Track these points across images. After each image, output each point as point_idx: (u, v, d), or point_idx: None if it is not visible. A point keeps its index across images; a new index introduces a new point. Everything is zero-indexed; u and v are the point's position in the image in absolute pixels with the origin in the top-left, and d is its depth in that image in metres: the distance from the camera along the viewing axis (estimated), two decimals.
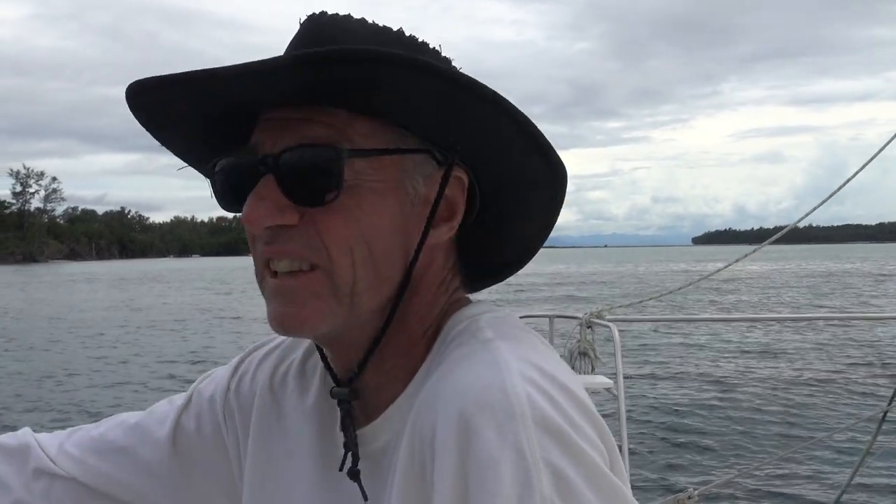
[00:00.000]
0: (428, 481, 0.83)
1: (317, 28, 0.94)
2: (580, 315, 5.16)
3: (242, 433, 1.15)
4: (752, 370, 19.91)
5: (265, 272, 0.94)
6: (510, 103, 0.91)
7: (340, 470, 0.98)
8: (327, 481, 1.04)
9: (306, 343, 1.16)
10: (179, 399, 1.22)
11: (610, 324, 4.92)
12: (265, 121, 0.93)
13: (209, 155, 0.99)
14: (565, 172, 1.01)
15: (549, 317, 5.45)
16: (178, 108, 0.93)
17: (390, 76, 0.86)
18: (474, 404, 0.80)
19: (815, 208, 5.56)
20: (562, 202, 1.06)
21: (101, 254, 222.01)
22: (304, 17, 0.97)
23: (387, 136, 0.93)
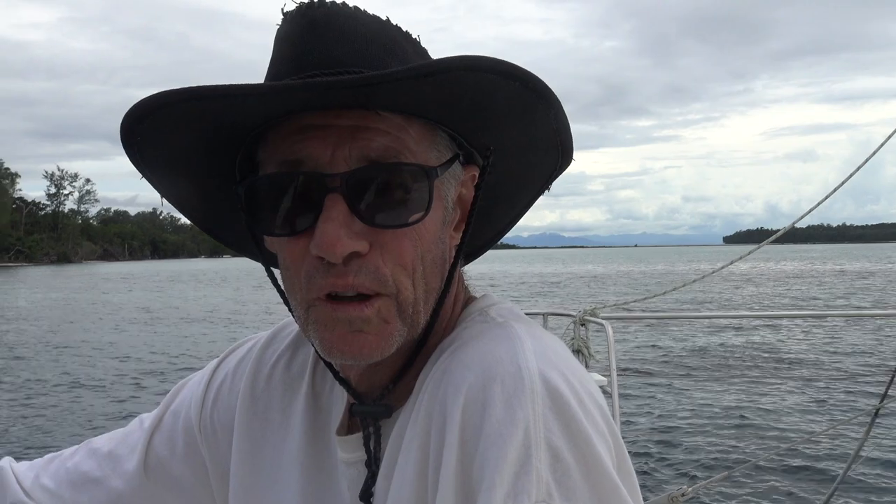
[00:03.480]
0: (432, 453, 0.81)
1: (324, 19, 0.86)
2: (574, 312, 5.14)
3: (224, 445, 1.11)
4: (745, 367, 19.77)
5: (317, 297, 0.87)
6: (561, 108, 0.88)
7: (361, 493, 0.95)
8: (315, 486, 1.02)
9: (285, 344, 1.13)
10: (149, 419, 1.18)
11: (604, 321, 4.89)
12: (304, 129, 0.85)
13: (193, 185, 0.95)
14: (570, 163, 0.99)
15: (544, 314, 5.43)
16: (201, 123, 0.85)
17: (489, 85, 0.82)
18: (485, 376, 0.79)
19: (809, 210, 5.56)
20: (547, 189, 1.05)
21: (134, 254, 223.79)
22: (292, 7, 0.89)
23: (433, 140, 0.89)
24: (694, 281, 6.36)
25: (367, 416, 0.96)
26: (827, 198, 5.83)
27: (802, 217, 5.96)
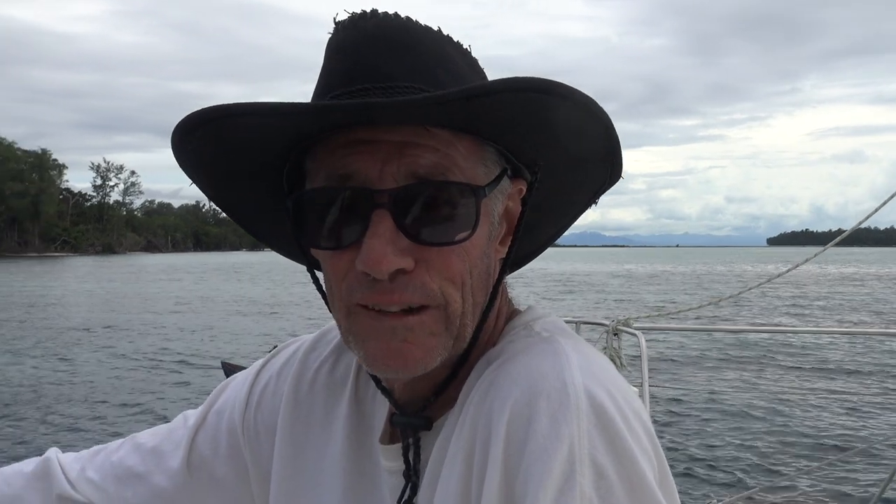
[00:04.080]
0: (476, 467, 0.81)
1: (375, 31, 0.87)
2: (607, 322, 5.08)
3: (267, 447, 1.12)
4: (781, 382, 19.45)
5: (357, 303, 0.87)
6: (611, 124, 0.88)
7: (399, 502, 0.95)
8: (357, 492, 1.02)
9: (329, 349, 1.13)
10: (194, 417, 1.19)
11: (637, 332, 4.83)
12: (354, 143, 0.85)
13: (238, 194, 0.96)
14: (619, 179, 0.99)
15: (576, 322, 5.35)
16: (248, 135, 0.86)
17: (538, 105, 0.82)
18: (531, 391, 0.79)
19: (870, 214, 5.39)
20: (594, 203, 1.04)
21: (177, 246, 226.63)
22: (344, 17, 0.89)
23: (481, 156, 0.89)
24: (739, 293, 6.22)
25: (407, 427, 0.96)
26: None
27: (869, 216, 5.71)
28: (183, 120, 0.85)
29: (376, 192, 0.84)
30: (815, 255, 5.95)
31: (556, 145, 0.91)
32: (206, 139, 0.86)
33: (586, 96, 0.82)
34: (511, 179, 0.94)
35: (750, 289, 6.12)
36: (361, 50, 0.86)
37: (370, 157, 0.84)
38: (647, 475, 0.77)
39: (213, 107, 0.82)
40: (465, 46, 0.93)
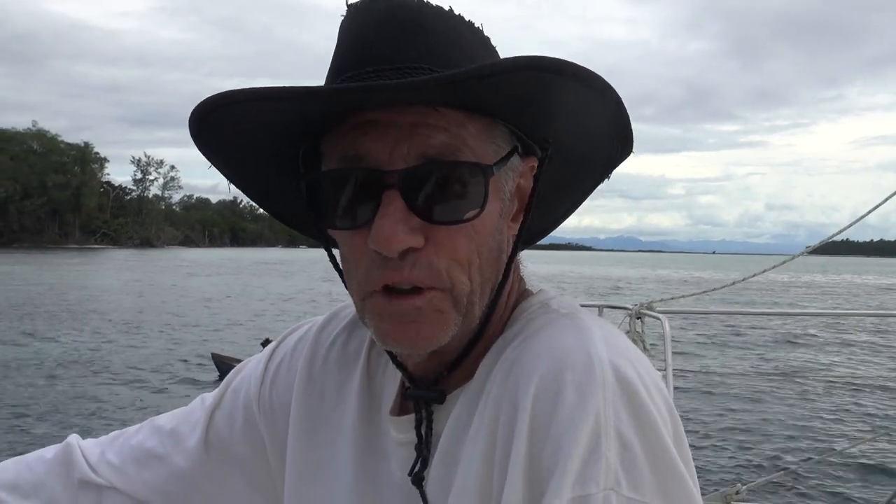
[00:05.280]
0: (500, 442, 0.82)
1: (388, 13, 0.87)
2: (630, 306, 5.05)
3: (282, 424, 1.14)
4: (806, 366, 19.24)
5: (373, 290, 0.89)
6: (621, 100, 0.88)
7: (410, 474, 0.96)
8: (368, 465, 1.03)
9: (342, 326, 1.16)
10: (211, 398, 1.22)
11: (661, 315, 4.74)
12: (366, 124, 0.86)
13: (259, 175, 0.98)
14: (629, 154, 0.99)
15: (599, 306, 5.31)
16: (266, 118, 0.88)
17: (547, 83, 0.82)
18: (557, 364, 0.79)
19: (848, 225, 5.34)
20: (607, 178, 1.05)
21: (214, 241, 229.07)
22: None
23: (491, 134, 0.89)
24: (754, 275, 6.13)
25: (420, 401, 0.97)
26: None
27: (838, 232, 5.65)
28: (197, 107, 0.87)
29: (386, 172, 0.85)
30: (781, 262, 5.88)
31: (567, 123, 0.91)
32: (219, 126, 0.89)
33: (595, 74, 0.83)
34: (522, 157, 0.94)
35: (765, 271, 6.04)
36: (372, 32, 0.87)
37: (381, 137, 0.86)
38: (671, 447, 0.78)
39: (222, 93, 0.84)
40: (476, 25, 0.94)
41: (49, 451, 1.23)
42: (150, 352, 24.60)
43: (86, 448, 1.22)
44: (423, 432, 0.96)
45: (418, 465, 0.96)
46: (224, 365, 23.26)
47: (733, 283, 6.12)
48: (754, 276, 6.13)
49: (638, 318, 4.92)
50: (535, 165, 0.96)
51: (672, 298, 5.45)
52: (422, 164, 0.85)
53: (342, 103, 0.85)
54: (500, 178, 0.91)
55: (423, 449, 0.95)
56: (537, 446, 0.77)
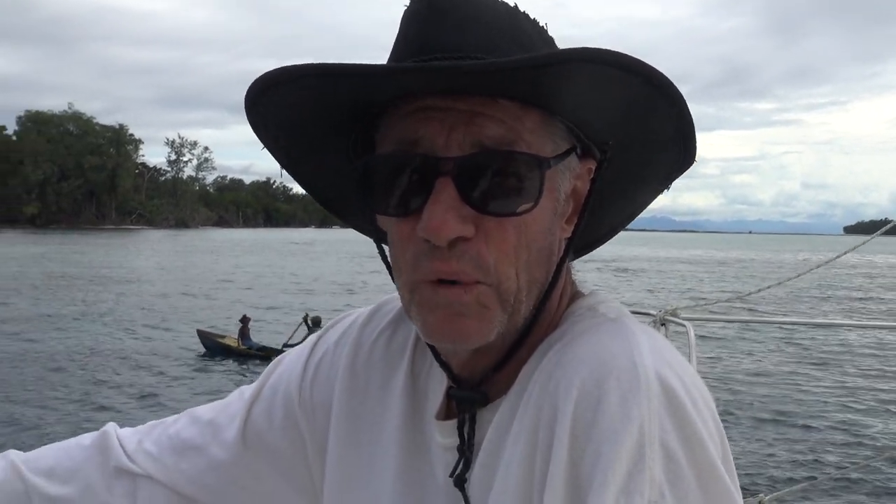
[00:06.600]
0: (541, 449, 0.81)
1: (450, 3, 0.87)
2: (654, 312, 4.89)
3: (323, 420, 1.13)
4: (834, 376, 18.91)
5: (421, 280, 0.88)
6: (686, 106, 0.86)
7: (451, 476, 0.95)
8: (412, 467, 1.02)
9: (386, 321, 1.14)
10: (249, 391, 1.21)
11: (686, 322, 4.63)
12: (423, 109, 0.85)
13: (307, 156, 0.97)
14: (692, 163, 0.96)
15: None
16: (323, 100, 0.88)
17: (608, 79, 0.81)
18: (600, 371, 0.78)
19: None
20: (666, 188, 1.02)
21: (248, 222, 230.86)
22: None
23: (549, 130, 0.88)
24: (776, 284, 5.90)
25: (463, 402, 0.96)
26: None
27: None
28: (257, 80, 0.86)
29: (441, 159, 0.84)
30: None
31: (627, 124, 0.90)
32: (278, 103, 0.89)
33: (659, 73, 0.81)
34: (580, 158, 0.93)
35: (800, 275, 5.84)
36: (431, 21, 0.86)
37: (438, 124, 0.85)
38: (717, 461, 0.77)
39: (290, 67, 0.83)
40: (541, 24, 0.92)
41: (86, 438, 1.23)
42: (176, 339, 24.90)
43: (123, 436, 1.22)
44: (465, 434, 0.95)
45: (460, 466, 0.94)
46: (208, 340, 23.81)
47: (769, 287, 5.89)
48: (789, 279, 5.94)
49: (662, 325, 4.76)
50: (593, 168, 0.94)
51: (697, 305, 5.29)
52: (478, 152, 0.84)
53: (402, 84, 0.84)
54: (557, 175, 0.89)
55: (466, 451, 0.94)
56: (578, 454, 0.76)
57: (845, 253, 5.51)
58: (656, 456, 0.74)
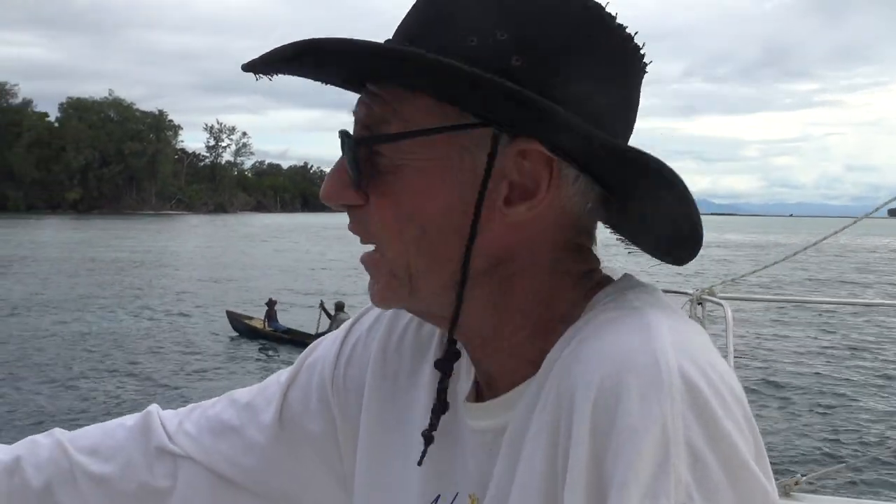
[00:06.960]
0: (561, 446, 0.79)
1: None
2: (690, 291, 4.78)
3: (355, 404, 1.14)
4: (871, 356, 18.56)
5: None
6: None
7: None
8: (438, 456, 1.02)
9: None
10: (286, 374, 1.23)
11: (723, 302, 4.54)
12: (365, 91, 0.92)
13: None
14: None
15: None
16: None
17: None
18: (619, 367, 0.75)
19: None
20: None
21: (286, 207, 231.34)
22: None
23: (444, 112, 0.86)
24: (802, 249, 5.82)
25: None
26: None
27: None
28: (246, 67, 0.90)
29: (346, 134, 0.91)
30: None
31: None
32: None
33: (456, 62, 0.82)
34: (514, 137, 0.86)
35: (835, 233, 5.69)
36: (411, 11, 0.91)
37: (360, 103, 0.91)
38: (748, 458, 0.74)
39: (264, 57, 0.87)
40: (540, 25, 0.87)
41: (130, 419, 1.26)
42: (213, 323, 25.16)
43: (165, 418, 1.25)
44: (439, 393, 0.97)
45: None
46: (237, 321, 24.61)
47: (794, 254, 5.85)
48: (815, 243, 5.79)
49: (699, 304, 4.66)
50: (544, 149, 0.86)
51: (734, 283, 5.20)
52: (358, 129, 0.90)
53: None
54: (458, 153, 0.86)
55: (440, 410, 0.96)
56: (598, 454, 0.73)
57: (843, 229, 5.52)
58: (682, 456, 0.70)
